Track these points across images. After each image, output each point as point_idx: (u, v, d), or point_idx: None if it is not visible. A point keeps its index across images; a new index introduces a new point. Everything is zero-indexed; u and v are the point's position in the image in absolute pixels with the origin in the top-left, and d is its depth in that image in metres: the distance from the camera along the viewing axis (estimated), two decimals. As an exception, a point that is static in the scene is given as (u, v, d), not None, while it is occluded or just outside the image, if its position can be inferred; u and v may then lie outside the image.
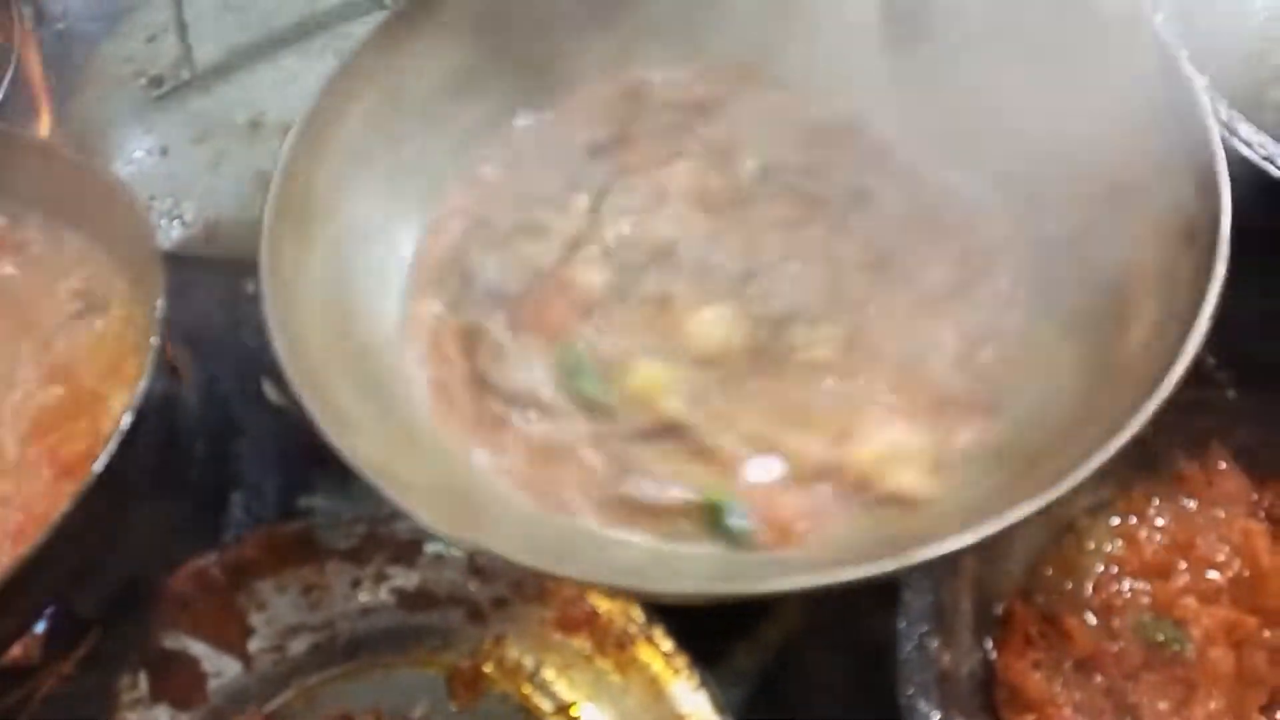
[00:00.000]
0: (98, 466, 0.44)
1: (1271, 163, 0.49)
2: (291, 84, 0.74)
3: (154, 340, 0.47)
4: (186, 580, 0.52)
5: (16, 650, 0.49)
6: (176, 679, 0.51)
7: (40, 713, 0.48)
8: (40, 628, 0.50)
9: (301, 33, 0.76)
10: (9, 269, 0.56)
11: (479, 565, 0.53)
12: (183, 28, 0.74)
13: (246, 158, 0.71)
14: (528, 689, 0.53)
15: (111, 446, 0.44)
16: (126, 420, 0.45)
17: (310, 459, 0.62)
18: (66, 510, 0.43)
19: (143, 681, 0.51)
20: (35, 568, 0.43)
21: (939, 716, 0.46)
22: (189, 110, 0.73)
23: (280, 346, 0.42)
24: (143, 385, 0.46)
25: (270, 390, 0.63)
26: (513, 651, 0.54)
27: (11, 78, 0.70)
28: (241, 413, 0.64)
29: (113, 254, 0.56)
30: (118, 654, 0.50)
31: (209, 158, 0.71)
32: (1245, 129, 0.50)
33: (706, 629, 0.51)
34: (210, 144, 0.71)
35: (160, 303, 0.48)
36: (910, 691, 0.47)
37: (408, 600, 0.54)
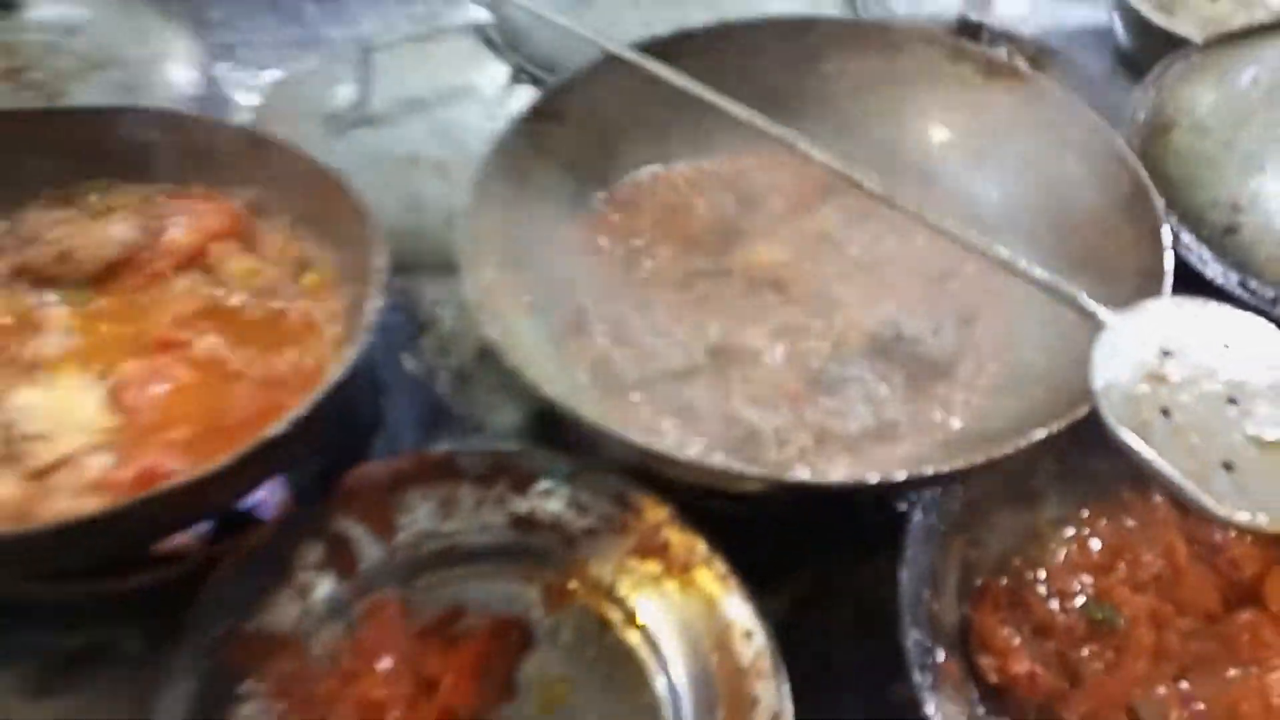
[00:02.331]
0: (335, 375, 0.59)
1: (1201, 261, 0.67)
2: (444, 133, 0.93)
3: (376, 295, 0.63)
4: (357, 479, 0.66)
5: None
6: (339, 554, 0.65)
7: (239, 564, 0.63)
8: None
9: (452, 96, 0.96)
10: (240, 247, 0.73)
11: (578, 500, 0.69)
12: (365, 83, 0.93)
13: (405, 185, 0.89)
14: (604, 603, 0.67)
15: (345, 366, 0.60)
16: (353, 351, 0.61)
17: (434, 413, 0.78)
18: (309, 406, 0.58)
19: (317, 551, 0.65)
20: (279, 443, 0.58)
21: (928, 642, 0.61)
22: (358, 143, 0.92)
23: (491, 332, 0.58)
24: (368, 320, 0.62)
25: (408, 361, 0.80)
26: (595, 572, 0.68)
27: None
28: (386, 376, 0.80)
29: (319, 229, 0.73)
30: (302, 528, 0.65)
31: (375, 182, 0.89)
32: (1186, 237, 0.69)
33: (752, 575, 0.66)
34: (373, 172, 0.89)
35: (382, 262, 0.64)
36: (908, 621, 0.62)
37: (517, 523, 0.69)
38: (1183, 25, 0.97)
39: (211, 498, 0.61)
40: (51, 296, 0.68)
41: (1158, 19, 0.95)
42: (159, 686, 0.57)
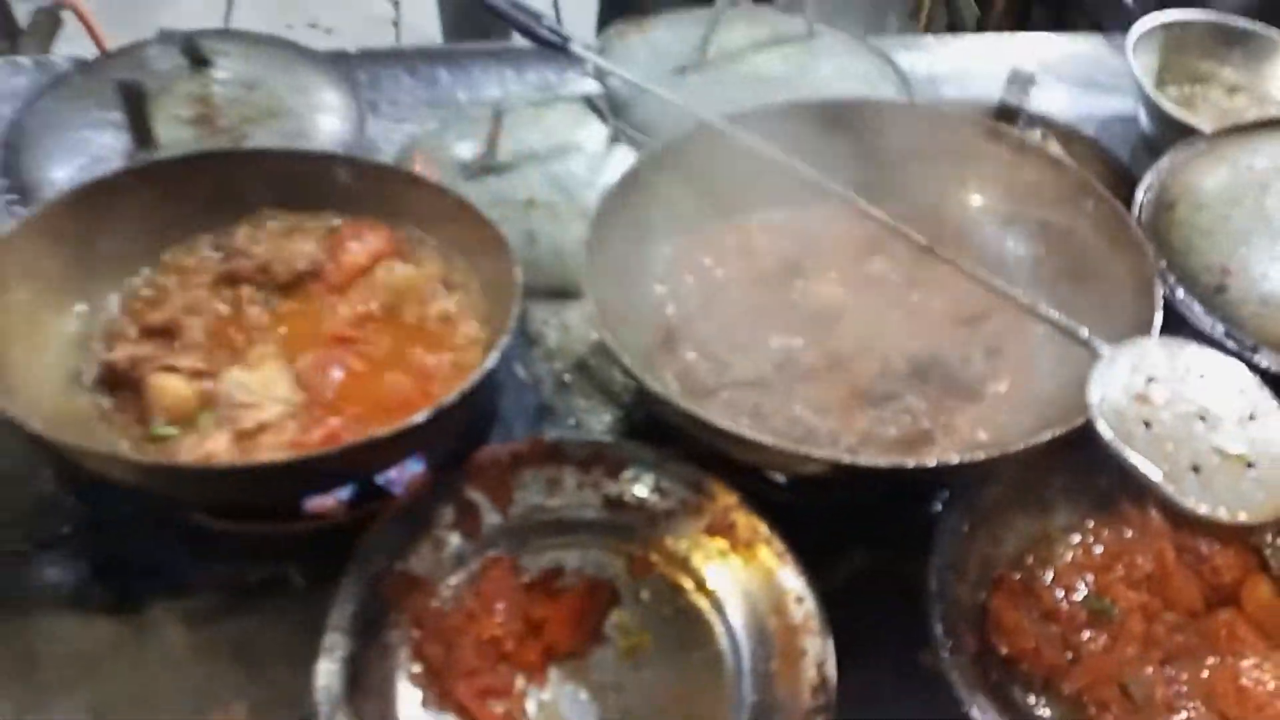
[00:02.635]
0: (477, 374, 0.75)
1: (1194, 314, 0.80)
2: (555, 181, 1.10)
3: (516, 306, 0.79)
4: (483, 458, 0.82)
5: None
6: (467, 517, 0.80)
7: (393, 517, 0.78)
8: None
9: (562, 151, 1.13)
10: (400, 265, 0.90)
11: (660, 486, 0.83)
12: (493, 138, 1.11)
13: (522, 223, 1.06)
14: (679, 572, 0.81)
15: (485, 368, 0.75)
16: (494, 355, 0.76)
17: (540, 411, 0.93)
18: (456, 395, 0.73)
19: (450, 514, 0.80)
20: (429, 423, 0.73)
21: (952, 616, 0.74)
22: (485, 187, 1.09)
23: (607, 339, 0.74)
24: (504, 340, 0.77)
25: (519, 369, 0.96)
26: (672, 546, 0.81)
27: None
28: (503, 380, 0.95)
29: (463, 253, 0.89)
30: (439, 494, 0.80)
31: (497, 219, 1.05)
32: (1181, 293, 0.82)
33: (805, 556, 0.79)
34: (497, 211, 1.05)
35: (519, 280, 0.80)
36: (935, 598, 0.74)
37: (609, 503, 0.83)
38: (1202, 118, 1.11)
39: (373, 460, 0.77)
40: (253, 298, 0.85)
41: (1176, 112, 1.09)
42: (330, 605, 0.72)
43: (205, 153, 0.92)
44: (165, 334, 0.80)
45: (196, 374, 0.78)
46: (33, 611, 0.76)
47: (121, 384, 0.77)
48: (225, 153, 0.93)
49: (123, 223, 0.84)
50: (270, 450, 0.75)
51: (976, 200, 0.94)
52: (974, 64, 1.33)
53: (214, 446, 0.73)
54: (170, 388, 0.76)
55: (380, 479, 0.85)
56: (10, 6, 1.81)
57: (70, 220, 0.81)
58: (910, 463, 0.66)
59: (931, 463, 0.67)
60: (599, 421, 0.92)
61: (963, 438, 0.75)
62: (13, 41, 1.71)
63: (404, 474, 0.85)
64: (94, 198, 0.83)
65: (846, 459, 0.68)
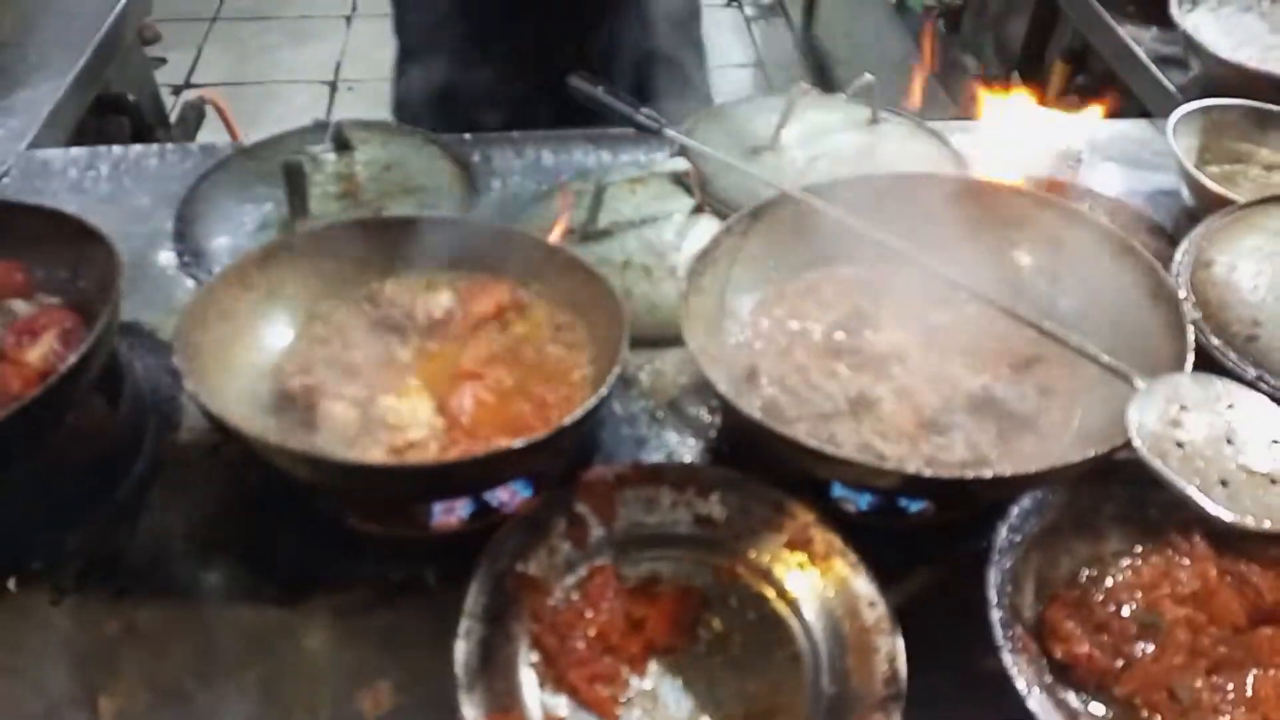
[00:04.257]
0: (589, 405, 0.88)
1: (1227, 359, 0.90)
2: (648, 245, 1.25)
3: (623, 346, 0.92)
4: (591, 477, 0.94)
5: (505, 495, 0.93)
6: (576, 529, 0.92)
7: (516, 524, 0.90)
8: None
9: (653, 219, 1.28)
10: (520, 313, 1.05)
11: (744, 506, 0.94)
12: (596, 208, 1.26)
13: (619, 281, 1.20)
14: (761, 582, 0.91)
15: (606, 388, 0.88)
16: (604, 390, 0.89)
17: (636, 443, 1.06)
18: (580, 413, 0.86)
19: (562, 526, 0.92)
20: (546, 443, 0.85)
21: (1010, 620, 0.82)
22: (587, 250, 1.24)
23: (707, 372, 0.87)
24: (616, 371, 0.90)
25: (617, 406, 1.09)
26: (755, 558, 0.92)
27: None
28: (603, 415, 1.08)
29: (575, 304, 1.04)
30: (554, 506, 0.92)
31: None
32: (1216, 341, 0.92)
33: (877, 570, 0.89)
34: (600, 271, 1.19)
35: (625, 326, 0.94)
36: (995, 604, 0.83)
37: (699, 520, 0.94)
38: (1240, 192, 1.20)
39: (504, 470, 0.90)
40: (400, 339, 1.00)
41: (1215, 187, 1.19)
42: (463, 598, 0.84)
43: (360, 220, 1.09)
44: (329, 368, 0.95)
45: (356, 401, 0.92)
46: (211, 602, 0.90)
47: (297, 408, 0.92)
48: (376, 221, 1.10)
49: (296, 275, 1.01)
50: (417, 464, 0.88)
51: (1026, 260, 1.05)
52: (1026, 145, 1.45)
53: (373, 458, 0.87)
54: (337, 411, 0.90)
55: (494, 499, 0.98)
56: (163, 101, 2.07)
57: (257, 273, 0.98)
58: (970, 474, 0.77)
59: (988, 474, 0.77)
60: (688, 452, 1.04)
61: (1019, 463, 0.85)
62: (165, 131, 1.96)
63: (514, 496, 0.98)
64: (275, 255, 0.99)
65: (914, 469, 0.79)
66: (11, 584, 0.88)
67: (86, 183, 1.34)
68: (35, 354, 0.90)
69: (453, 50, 1.58)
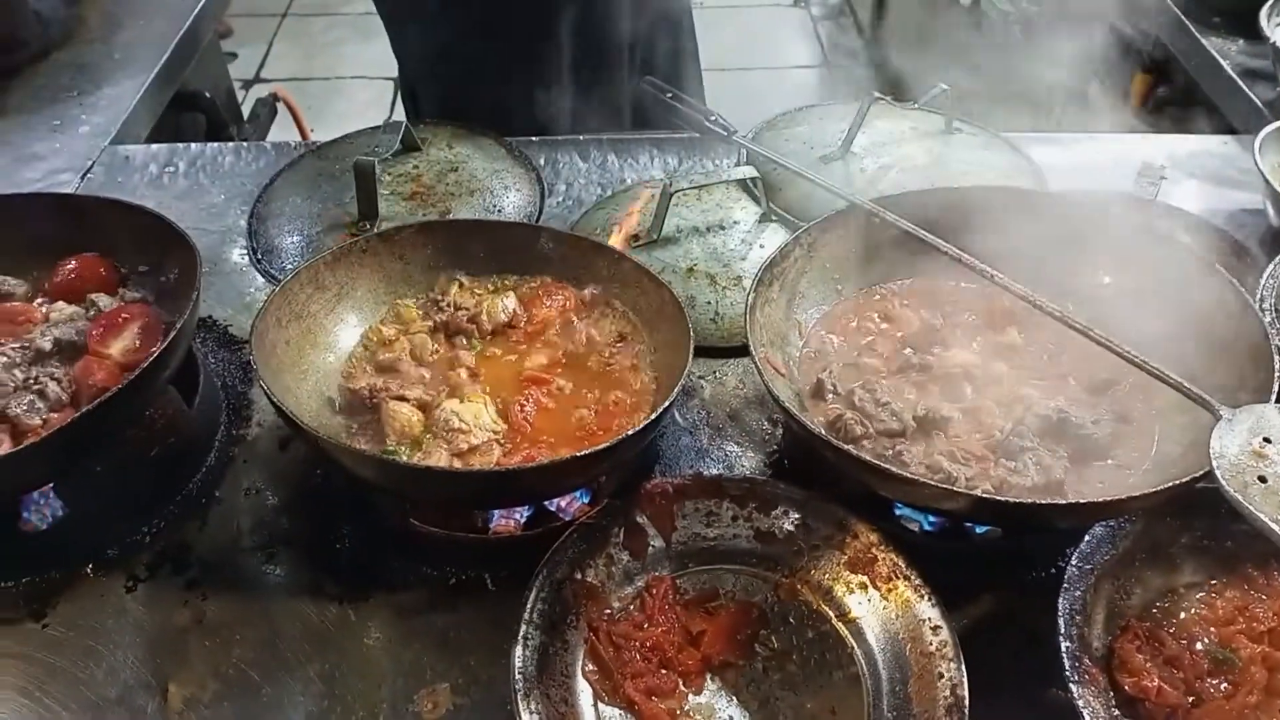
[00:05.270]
0: (656, 414, 0.87)
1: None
2: (713, 253, 1.24)
3: (689, 355, 0.92)
4: (651, 488, 0.93)
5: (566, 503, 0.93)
6: (635, 539, 0.92)
7: (576, 533, 0.90)
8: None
9: (719, 227, 1.27)
10: (584, 319, 1.05)
11: (807, 523, 0.93)
12: (663, 214, 1.26)
13: (683, 288, 1.19)
14: (821, 601, 0.90)
15: (673, 397, 0.88)
16: (676, 392, 0.88)
17: (696, 453, 1.05)
18: (647, 421, 0.86)
19: (620, 534, 0.92)
20: (607, 453, 0.85)
21: (1079, 652, 0.80)
22: (652, 256, 1.24)
23: (771, 386, 0.86)
24: (681, 382, 0.90)
25: (679, 416, 1.08)
26: (816, 577, 0.91)
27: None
28: (665, 425, 1.08)
29: (639, 310, 1.03)
30: (613, 516, 0.92)
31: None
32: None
33: (942, 595, 0.87)
34: (663, 278, 1.18)
35: (690, 335, 0.93)
36: (1065, 635, 0.81)
37: (760, 535, 0.93)
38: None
39: (564, 481, 0.90)
40: (463, 343, 1.01)
41: (1303, 205, 1.15)
42: (522, 603, 0.85)
43: (428, 223, 1.10)
44: (395, 370, 0.96)
45: (421, 404, 0.93)
46: (277, 598, 0.92)
47: (363, 409, 0.93)
48: (443, 223, 1.11)
49: (366, 276, 1.02)
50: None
51: (1105, 279, 1.02)
52: (1106, 159, 1.41)
53: (436, 462, 0.88)
54: (402, 413, 0.91)
55: (551, 505, 0.98)
56: (236, 97, 2.12)
57: (328, 273, 1.00)
58: (1045, 500, 0.75)
59: (1063, 502, 0.75)
60: (748, 464, 1.04)
61: (1093, 491, 0.83)
62: (237, 127, 2.01)
63: (571, 502, 0.98)
64: (346, 257, 1.01)
65: (986, 494, 0.77)
66: (89, 570, 0.91)
67: (165, 179, 1.38)
68: (118, 347, 0.93)
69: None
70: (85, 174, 1.38)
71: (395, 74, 1.76)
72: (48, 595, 0.88)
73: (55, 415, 0.88)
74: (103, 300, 0.97)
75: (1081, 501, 0.75)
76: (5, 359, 0.89)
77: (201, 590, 0.90)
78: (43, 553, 0.90)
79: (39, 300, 1.02)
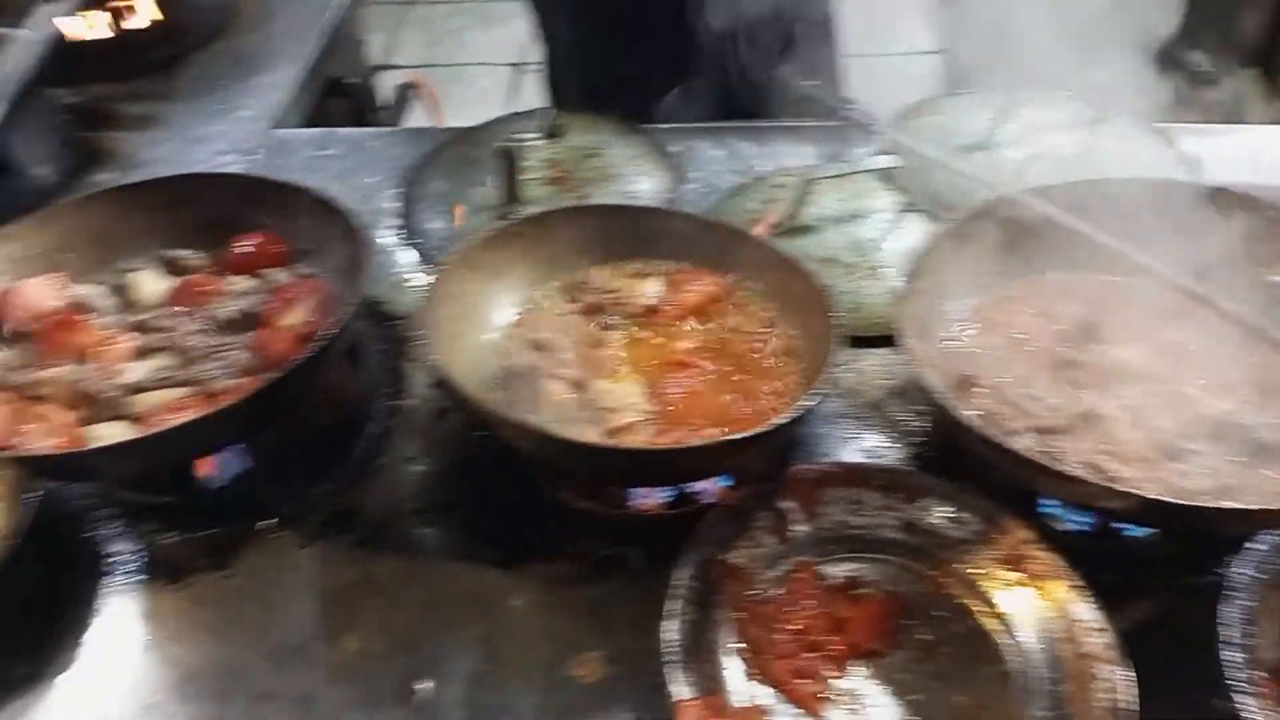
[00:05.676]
0: (808, 402, 0.88)
1: None
2: (852, 243, 1.23)
3: (834, 344, 0.92)
4: (797, 473, 0.94)
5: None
6: (779, 524, 0.93)
7: (721, 514, 0.91)
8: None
9: (858, 217, 1.26)
10: (730, 304, 1.06)
11: (956, 516, 0.92)
12: (800, 203, 1.26)
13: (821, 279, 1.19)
14: (969, 596, 0.89)
15: (823, 384, 0.88)
16: (824, 386, 0.89)
17: (841, 442, 1.05)
18: (785, 419, 0.87)
19: (766, 518, 0.93)
20: (756, 439, 0.86)
21: (1247, 662, 0.78)
22: (789, 244, 1.23)
23: (924, 376, 0.86)
24: (831, 369, 0.90)
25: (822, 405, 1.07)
26: (964, 571, 0.90)
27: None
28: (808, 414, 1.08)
29: (782, 298, 1.04)
30: (759, 500, 0.93)
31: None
32: None
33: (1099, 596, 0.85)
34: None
35: (834, 324, 0.93)
36: (1231, 643, 0.78)
37: (905, 527, 0.93)
38: None
39: (717, 462, 0.92)
40: (612, 324, 1.04)
41: None
42: (670, 582, 0.87)
43: (576, 207, 1.13)
44: (548, 348, 1.00)
45: (574, 382, 0.96)
46: (436, 562, 0.96)
47: (518, 385, 0.96)
48: (590, 207, 1.14)
49: (516, 258, 1.06)
50: (631, 447, 0.91)
51: (1275, 278, 0.98)
52: (1266, 152, 1.34)
53: (589, 439, 0.90)
54: (555, 391, 0.94)
55: (694, 488, 0.99)
56: (373, 85, 2.20)
57: (482, 256, 1.03)
58: (1223, 505, 0.72)
59: (1241, 507, 0.72)
60: (892, 455, 1.03)
61: (1268, 497, 0.80)
62: (373, 113, 2.09)
63: (713, 486, 0.99)
64: (498, 240, 1.05)
65: (1157, 495, 0.75)
66: (266, 526, 0.97)
67: (320, 162, 1.45)
68: (292, 319, 0.98)
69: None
70: (251, 156, 1.46)
71: (514, 61, 1.80)
72: (231, 548, 0.95)
73: (237, 382, 0.94)
74: (279, 275, 1.03)
75: (1259, 509, 0.72)
76: (197, 327, 0.96)
77: (368, 550, 0.95)
78: (225, 509, 0.97)
79: (214, 273, 1.09)
